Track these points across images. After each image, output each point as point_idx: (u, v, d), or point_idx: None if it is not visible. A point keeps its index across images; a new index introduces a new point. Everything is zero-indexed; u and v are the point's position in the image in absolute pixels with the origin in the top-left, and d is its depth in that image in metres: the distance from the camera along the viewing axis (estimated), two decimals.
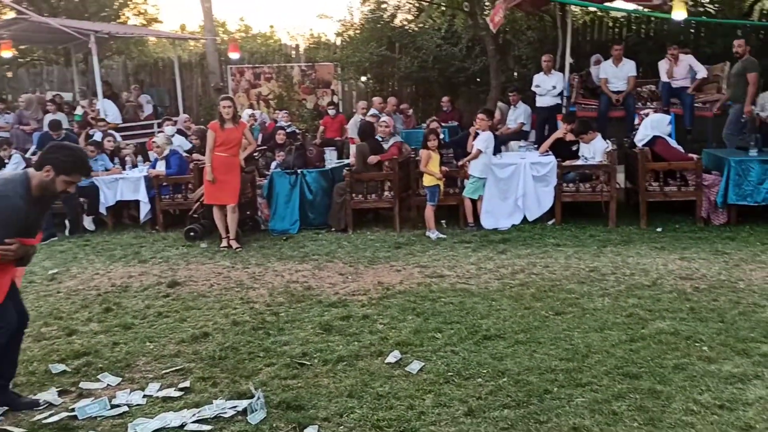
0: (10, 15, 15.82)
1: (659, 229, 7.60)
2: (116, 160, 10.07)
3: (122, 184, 9.23)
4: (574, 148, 8.60)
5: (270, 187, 8.69)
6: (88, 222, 9.27)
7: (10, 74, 16.61)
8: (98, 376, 4.22)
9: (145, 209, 9.19)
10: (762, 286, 5.46)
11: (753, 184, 7.48)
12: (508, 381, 3.88)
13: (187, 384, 4.03)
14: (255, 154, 9.13)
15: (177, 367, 4.31)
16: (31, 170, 3.67)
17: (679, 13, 8.68)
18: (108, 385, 4.11)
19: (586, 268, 6.20)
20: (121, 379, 4.19)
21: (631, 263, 6.28)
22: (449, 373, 4.01)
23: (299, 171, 8.61)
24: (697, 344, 4.32)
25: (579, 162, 8.35)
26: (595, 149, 8.30)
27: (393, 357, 4.27)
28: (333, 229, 8.41)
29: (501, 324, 4.82)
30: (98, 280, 6.63)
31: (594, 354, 4.22)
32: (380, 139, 8.89)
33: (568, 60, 10.59)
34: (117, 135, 11.30)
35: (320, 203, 8.66)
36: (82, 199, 9.08)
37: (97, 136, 10.73)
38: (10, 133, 12.43)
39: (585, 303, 5.23)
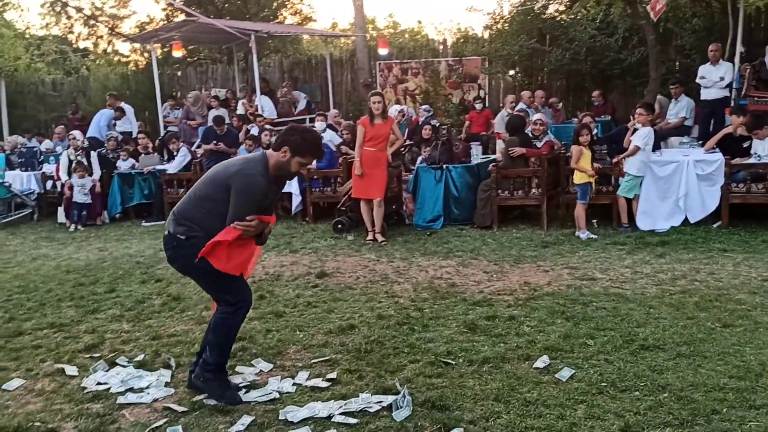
0: (181, 18, 17.12)
1: None
2: None
3: None
4: (746, 144, 7.88)
5: (415, 182, 8.73)
6: None
7: (179, 73, 17.95)
8: (252, 362, 4.40)
9: (296, 201, 9.56)
10: None
11: None
12: (670, 397, 3.58)
13: (334, 375, 4.10)
14: (401, 149, 9.20)
15: (325, 358, 4.40)
16: (269, 151, 3.84)
17: None
18: (261, 370, 4.28)
19: (758, 277, 5.64)
20: (272, 365, 4.34)
21: None
22: (603, 384, 3.78)
23: (444, 166, 8.57)
24: None
25: (751, 160, 7.63)
26: None
27: (542, 362, 4.10)
28: (476, 226, 8.29)
29: (660, 334, 4.49)
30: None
31: None
32: (532, 136, 8.64)
33: (739, 49, 9.73)
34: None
35: (465, 199, 8.57)
36: None
37: (254, 130, 11.32)
38: (179, 127, 13.45)
39: (758, 316, 4.75)
